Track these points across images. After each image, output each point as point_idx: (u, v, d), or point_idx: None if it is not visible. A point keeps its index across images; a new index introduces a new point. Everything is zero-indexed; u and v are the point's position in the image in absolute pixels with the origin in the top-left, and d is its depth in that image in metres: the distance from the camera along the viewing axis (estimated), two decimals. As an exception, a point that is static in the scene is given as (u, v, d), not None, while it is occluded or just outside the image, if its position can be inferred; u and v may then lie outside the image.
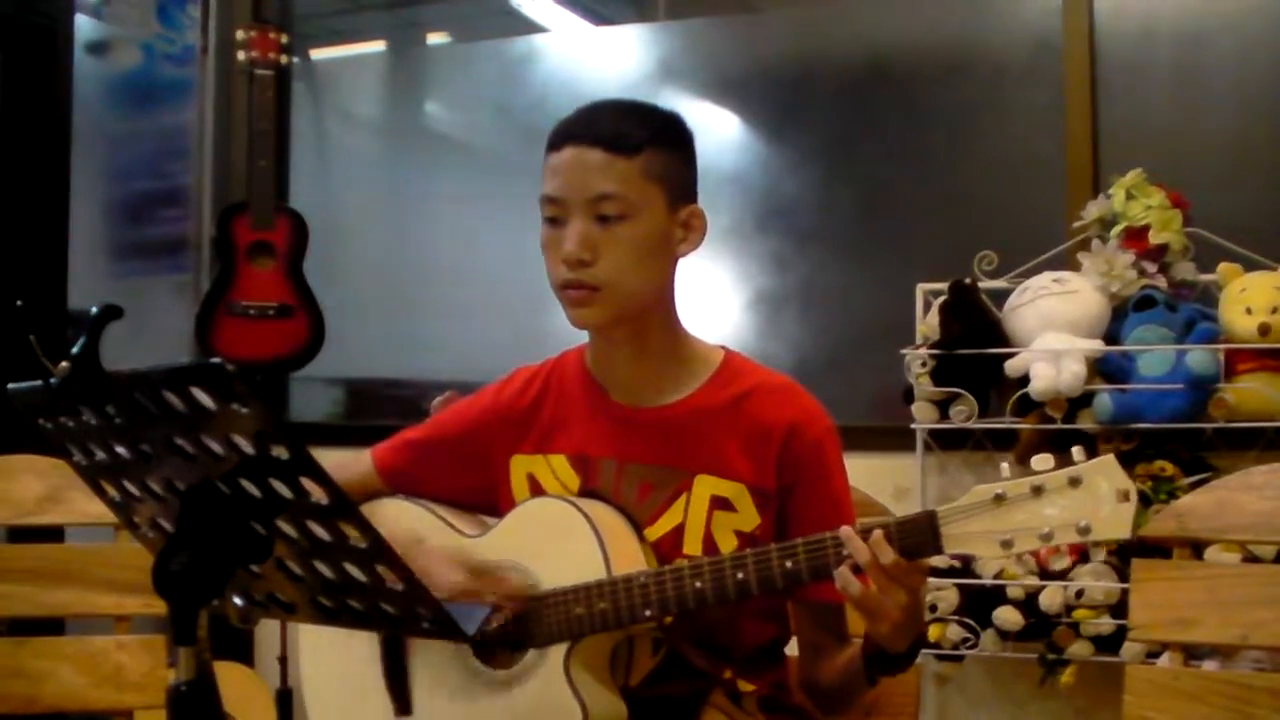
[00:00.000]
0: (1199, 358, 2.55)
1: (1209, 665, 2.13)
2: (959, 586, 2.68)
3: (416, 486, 1.83)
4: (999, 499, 1.44)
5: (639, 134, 1.65)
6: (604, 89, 3.57)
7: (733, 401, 1.71)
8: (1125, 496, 1.41)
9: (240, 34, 3.58)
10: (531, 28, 3.88)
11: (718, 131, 3.51)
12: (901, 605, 1.46)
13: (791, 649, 1.80)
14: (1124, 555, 2.52)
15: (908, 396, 2.81)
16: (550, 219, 1.65)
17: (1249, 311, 2.56)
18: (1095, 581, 2.57)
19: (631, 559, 1.63)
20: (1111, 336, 2.68)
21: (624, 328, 1.69)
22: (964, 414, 2.74)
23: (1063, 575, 2.61)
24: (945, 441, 2.86)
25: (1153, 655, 2.07)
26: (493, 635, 1.65)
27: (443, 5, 4.15)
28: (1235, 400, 2.55)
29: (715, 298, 3.38)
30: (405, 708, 1.74)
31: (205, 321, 3.46)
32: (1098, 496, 1.42)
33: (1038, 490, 1.43)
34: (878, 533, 1.46)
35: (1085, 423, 2.64)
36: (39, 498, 2.12)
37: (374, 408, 3.93)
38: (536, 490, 1.74)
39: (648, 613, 1.58)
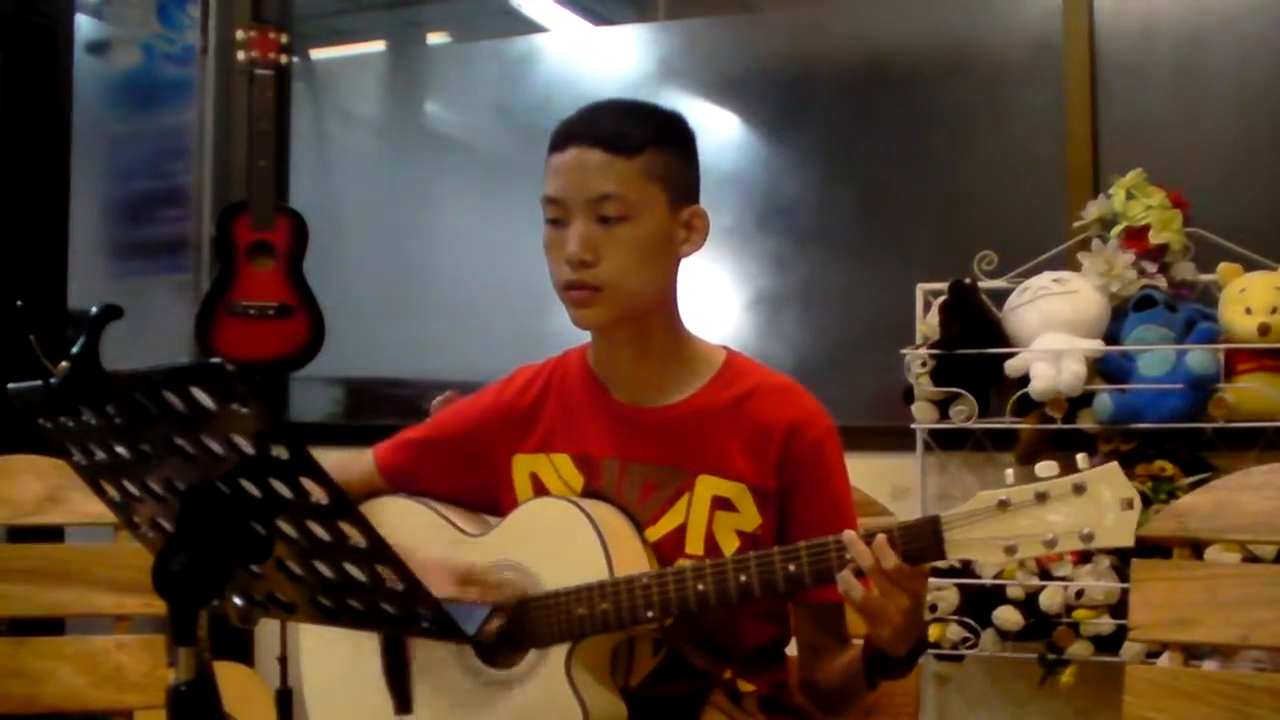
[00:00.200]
0: (1199, 358, 2.55)
1: (1209, 665, 2.13)
2: (959, 586, 2.68)
3: (418, 485, 1.83)
4: (1003, 505, 1.44)
5: (640, 134, 1.65)
6: (604, 89, 3.57)
7: (734, 402, 1.71)
8: (1129, 504, 1.41)
9: (240, 34, 3.58)
10: (531, 28, 3.88)
11: (718, 131, 3.51)
12: (903, 610, 1.46)
13: (792, 650, 1.80)
14: (1124, 555, 2.52)
15: (908, 396, 2.81)
16: (552, 220, 1.65)
17: (1249, 311, 2.56)
18: (1095, 581, 2.57)
19: (634, 559, 1.63)
20: (1111, 336, 2.69)
21: (626, 328, 1.69)
22: (964, 414, 2.74)
23: (1063, 575, 2.61)
24: (945, 441, 2.86)
25: (1153, 655, 2.07)
26: (493, 635, 1.65)
27: (443, 5, 4.15)
28: (1235, 400, 2.55)
29: (715, 298, 3.38)
30: (405, 707, 1.73)
31: (205, 321, 3.45)
32: (1101, 504, 1.41)
33: (1042, 497, 1.43)
34: (881, 537, 1.46)
35: (1085, 423, 2.64)
36: (39, 498, 2.12)
37: (374, 408, 3.93)
38: (540, 489, 1.74)
39: (649, 614, 1.58)
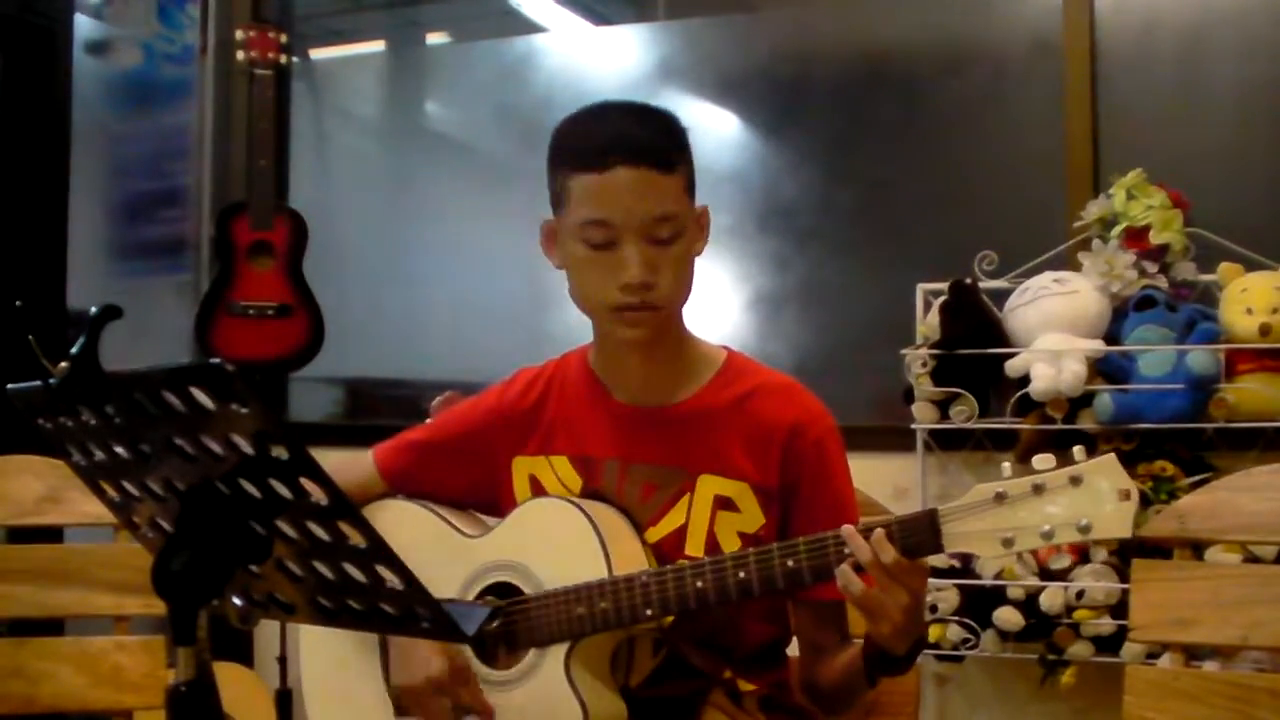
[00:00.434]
0: (1199, 358, 2.55)
1: (1209, 666, 2.13)
2: (959, 587, 2.68)
3: (418, 488, 1.83)
4: (1000, 498, 1.44)
5: (673, 146, 1.64)
6: (604, 89, 3.57)
7: (735, 401, 1.71)
8: (1126, 495, 1.42)
9: (240, 34, 3.58)
10: (531, 28, 3.88)
11: (718, 131, 3.51)
12: (902, 606, 1.46)
13: (792, 650, 1.80)
14: (1124, 556, 2.52)
15: (908, 396, 2.81)
16: (598, 243, 1.61)
17: (1250, 311, 2.56)
18: (1095, 582, 2.56)
19: (633, 559, 1.63)
20: (1112, 336, 2.68)
21: (659, 337, 1.69)
22: (964, 414, 2.73)
23: (1063, 575, 2.61)
24: (945, 442, 2.86)
25: (1153, 656, 2.07)
26: (493, 635, 1.65)
27: (443, 5, 4.15)
28: (1235, 400, 2.55)
29: (715, 298, 3.38)
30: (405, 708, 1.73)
31: (205, 321, 3.45)
32: (1098, 495, 1.42)
33: (1039, 489, 1.43)
34: (879, 531, 1.46)
35: (1086, 423, 2.64)
36: (38, 498, 2.12)
37: (374, 408, 3.93)
38: (538, 491, 1.74)
39: (649, 612, 1.58)
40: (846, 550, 1.49)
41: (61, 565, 2.13)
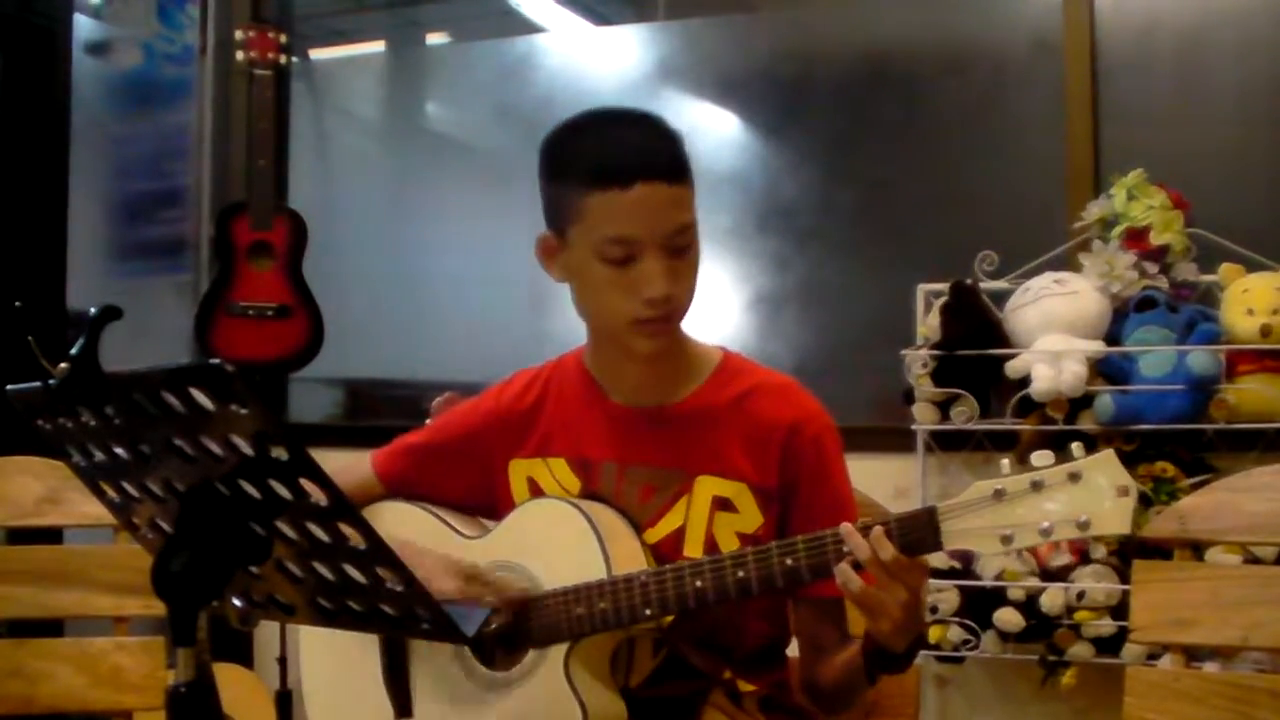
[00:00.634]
0: (1200, 359, 2.55)
1: (1210, 667, 2.13)
2: (959, 588, 2.68)
3: (416, 491, 1.82)
4: (999, 494, 1.44)
5: (682, 154, 1.63)
6: (604, 89, 3.57)
7: (733, 401, 1.70)
8: (1125, 492, 1.42)
9: (239, 34, 3.58)
10: (531, 28, 3.88)
11: (718, 131, 3.51)
12: (902, 603, 1.46)
13: (792, 650, 1.80)
14: (1125, 557, 2.52)
15: (908, 397, 2.80)
16: (618, 259, 1.59)
17: (1250, 312, 2.56)
18: (1096, 583, 2.56)
19: (632, 559, 1.63)
20: (1112, 337, 2.68)
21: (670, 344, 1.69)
22: (964, 415, 2.73)
23: (1063, 576, 2.61)
24: (945, 442, 2.86)
25: (1153, 657, 2.07)
26: (492, 636, 1.65)
27: (442, 5, 4.15)
28: (1236, 401, 2.55)
29: (716, 298, 3.37)
30: (405, 709, 1.73)
31: (204, 322, 3.45)
32: (1097, 491, 1.42)
33: (1037, 485, 1.43)
34: (878, 529, 1.46)
35: (1086, 424, 2.64)
36: (38, 499, 2.12)
37: (374, 408, 3.93)
38: (537, 494, 1.74)
39: (648, 612, 1.58)
40: (845, 548, 1.49)
41: (61, 566, 2.13)
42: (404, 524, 1.77)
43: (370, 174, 4.00)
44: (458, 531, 1.76)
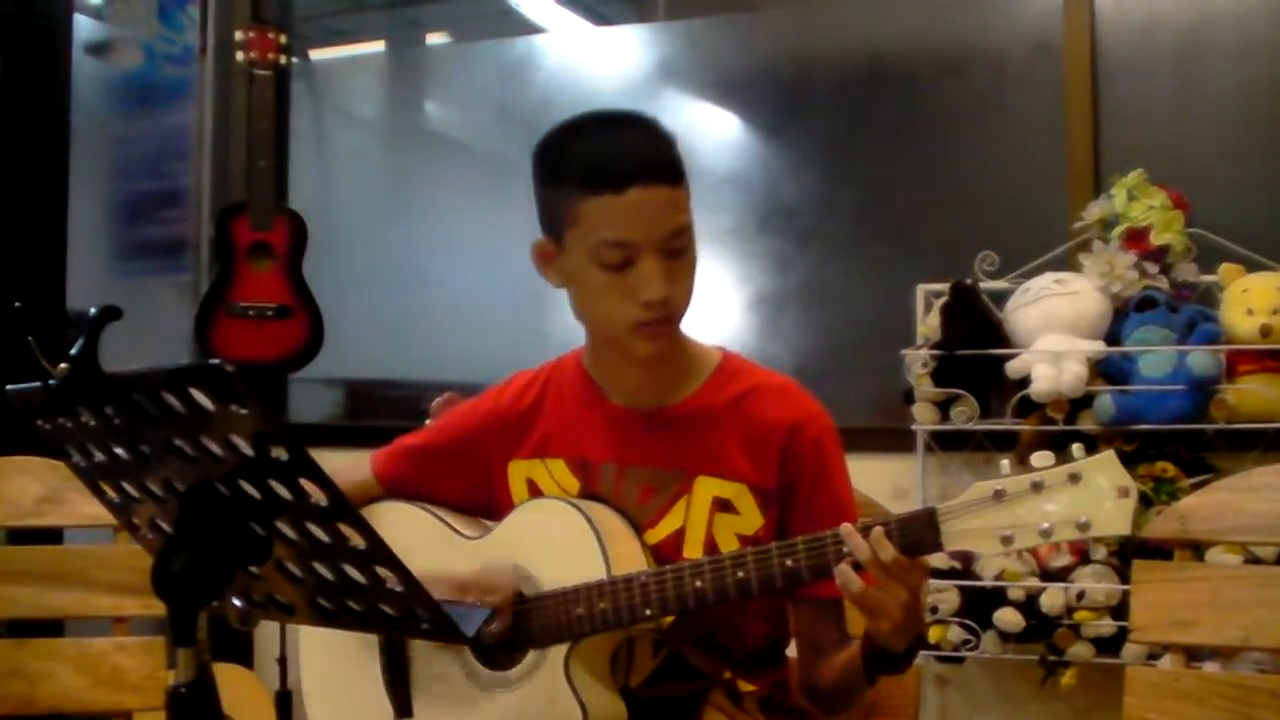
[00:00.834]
0: (1200, 359, 2.55)
1: (1210, 667, 2.13)
2: (959, 588, 2.68)
3: (415, 493, 1.82)
4: (999, 495, 1.44)
5: (675, 156, 1.63)
6: (604, 89, 3.57)
7: (732, 402, 1.70)
8: (1125, 493, 1.41)
9: (239, 34, 3.57)
10: (531, 28, 3.88)
11: (718, 131, 3.51)
12: (902, 603, 1.46)
13: (791, 650, 1.80)
14: (1125, 557, 2.52)
15: (908, 397, 2.80)
16: (616, 264, 1.59)
17: (1250, 312, 2.56)
18: (1096, 583, 2.56)
19: (631, 559, 1.63)
20: (1113, 337, 2.68)
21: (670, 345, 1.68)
22: (965, 415, 2.73)
23: (1063, 576, 2.61)
24: (946, 443, 2.86)
25: (1153, 657, 2.07)
26: (492, 636, 1.65)
27: (442, 5, 4.15)
28: (1236, 401, 2.55)
29: (716, 298, 3.37)
30: (405, 709, 1.73)
31: (204, 322, 3.45)
32: (1097, 492, 1.42)
33: (1037, 486, 1.43)
34: (878, 529, 1.46)
35: (1086, 424, 2.64)
36: (38, 499, 2.12)
37: (373, 408, 3.93)
38: (536, 495, 1.74)
39: (648, 612, 1.58)
40: (845, 549, 1.49)
41: (61, 566, 2.13)
42: (404, 524, 1.77)
43: (370, 174, 4.00)
44: (457, 532, 1.76)
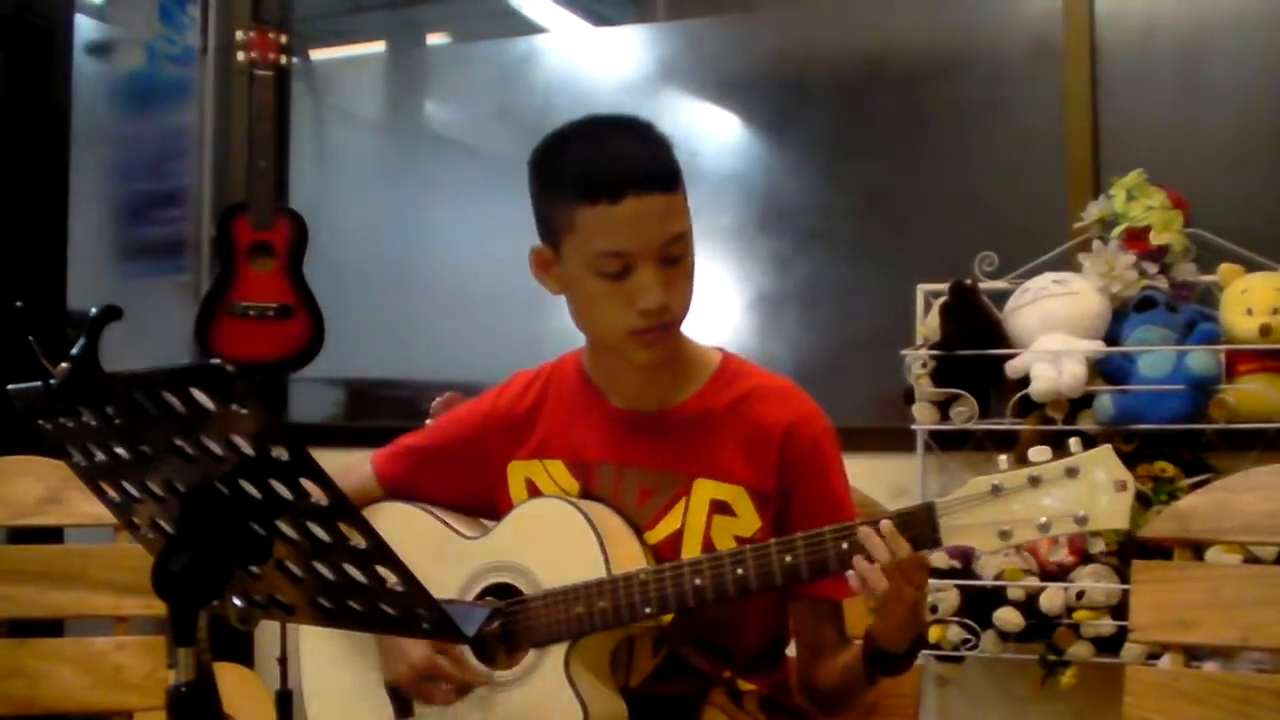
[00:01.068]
0: (1200, 359, 2.55)
1: (1209, 666, 2.13)
2: (959, 587, 2.68)
3: (416, 493, 1.83)
4: (996, 490, 1.45)
5: (671, 161, 1.62)
6: (604, 89, 3.57)
7: (732, 404, 1.70)
8: (1122, 486, 1.42)
9: (240, 34, 3.58)
10: (531, 28, 3.88)
11: (718, 132, 3.51)
12: (910, 601, 1.47)
13: (791, 650, 1.80)
14: (1124, 556, 2.52)
15: (908, 397, 2.80)
16: (613, 273, 1.59)
17: (1250, 312, 2.56)
18: (1096, 583, 2.56)
19: (631, 558, 1.63)
20: (1112, 337, 2.68)
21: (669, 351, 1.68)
22: (964, 415, 2.73)
23: (1063, 575, 2.61)
24: (945, 442, 2.86)
25: (1153, 657, 2.07)
26: (493, 636, 1.65)
27: (443, 5, 4.15)
28: (1236, 401, 2.55)
29: (716, 299, 3.38)
30: (405, 709, 1.73)
31: (205, 322, 3.45)
32: (1095, 486, 1.42)
33: (1035, 481, 1.44)
34: (886, 524, 1.46)
35: (1086, 424, 2.64)
36: (38, 499, 2.12)
37: (374, 408, 3.93)
38: (535, 495, 1.74)
39: (648, 610, 1.59)
40: (844, 546, 1.50)
41: (61, 566, 2.13)
42: (404, 524, 1.77)
43: (370, 174, 4.00)
44: (457, 532, 1.76)
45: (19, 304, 2.87)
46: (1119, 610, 2.52)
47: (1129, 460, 2.53)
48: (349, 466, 1.85)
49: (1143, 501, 2.52)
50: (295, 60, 3.82)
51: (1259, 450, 2.57)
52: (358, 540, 1.16)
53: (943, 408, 2.78)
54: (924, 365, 2.76)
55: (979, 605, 2.67)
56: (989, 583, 2.66)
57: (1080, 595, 2.57)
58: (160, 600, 1.17)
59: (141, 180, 3.87)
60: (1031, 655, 2.68)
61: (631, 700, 1.65)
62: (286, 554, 1.22)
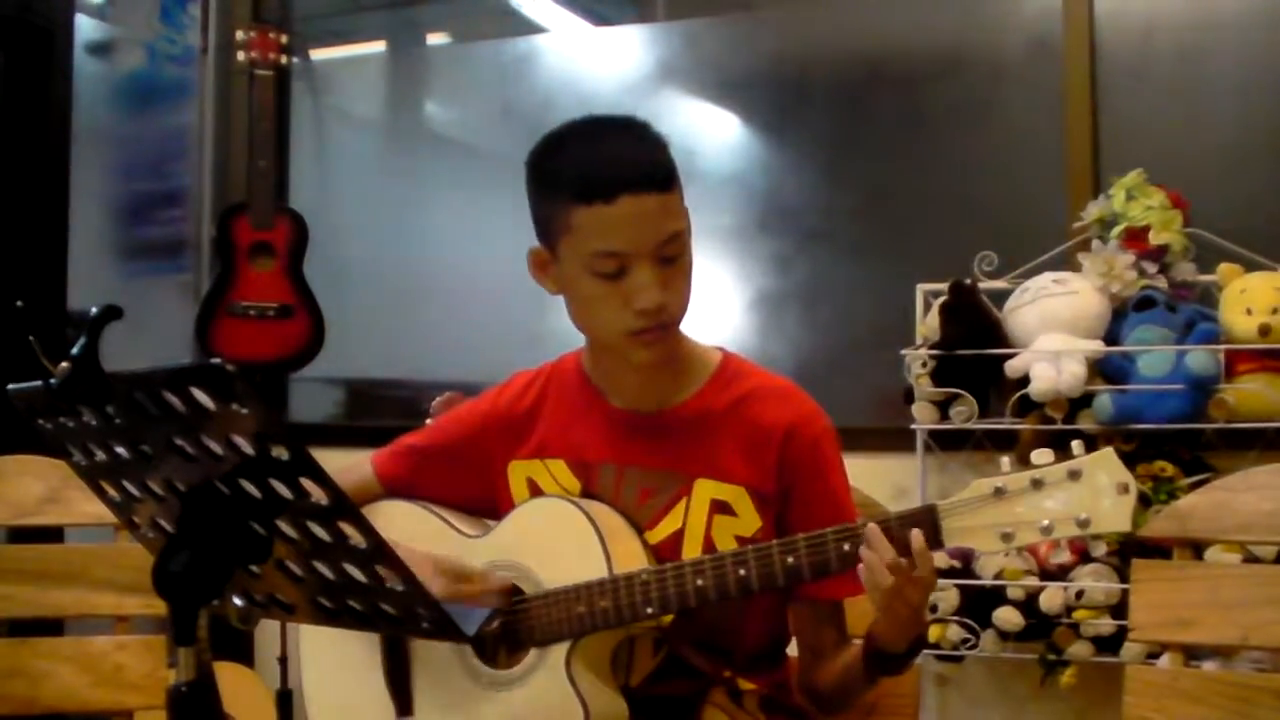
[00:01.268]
0: (1199, 358, 2.55)
1: (1209, 666, 2.13)
2: (959, 587, 2.68)
3: (416, 493, 1.83)
4: (999, 492, 1.44)
5: (667, 160, 1.62)
6: (604, 89, 3.57)
7: (732, 404, 1.70)
8: (1125, 489, 1.42)
9: (240, 34, 3.58)
10: (531, 28, 3.88)
11: (718, 132, 3.51)
12: (914, 603, 1.47)
13: (792, 650, 1.80)
14: (1124, 556, 2.53)
15: (908, 397, 2.81)
16: (609, 273, 1.59)
17: (1249, 312, 2.56)
18: (1095, 582, 2.57)
19: (633, 558, 1.63)
20: (1112, 337, 2.68)
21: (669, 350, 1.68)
22: (964, 415, 2.74)
23: (1063, 575, 2.61)
24: (945, 442, 2.86)
25: (1153, 656, 2.07)
26: (494, 635, 1.65)
27: (443, 5, 4.15)
28: (1235, 401, 2.55)
29: (716, 298, 3.38)
30: (406, 708, 1.74)
31: (205, 322, 3.46)
32: (1097, 489, 1.42)
33: (1037, 483, 1.44)
34: (873, 527, 1.46)
35: (1085, 423, 2.64)
36: (39, 498, 2.12)
37: (374, 408, 3.93)
38: (537, 495, 1.74)
39: (649, 610, 1.59)
40: (846, 547, 1.50)
41: (61, 565, 2.13)
42: (405, 523, 1.77)
43: (370, 174, 4.00)
44: (459, 531, 1.76)
45: (19, 304, 2.87)
46: (1119, 610, 2.52)
47: (1129, 460, 2.52)
48: (349, 466, 1.85)
49: (1142, 501, 2.52)
50: (295, 60, 3.82)
51: (1258, 450, 2.57)
52: (358, 540, 1.16)
53: (943, 407, 2.78)
54: (924, 365, 2.76)
55: (979, 605, 2.67)
56: (989, 582, 2.66)
57: (1080, 595, 2.57)
58: (160, 600, 1.17)
59: (142, 180, 3.88)
60: (1031, 655, 2.68)
61: (632, 700, 1.65)
62: (287, 553, 1.22)
